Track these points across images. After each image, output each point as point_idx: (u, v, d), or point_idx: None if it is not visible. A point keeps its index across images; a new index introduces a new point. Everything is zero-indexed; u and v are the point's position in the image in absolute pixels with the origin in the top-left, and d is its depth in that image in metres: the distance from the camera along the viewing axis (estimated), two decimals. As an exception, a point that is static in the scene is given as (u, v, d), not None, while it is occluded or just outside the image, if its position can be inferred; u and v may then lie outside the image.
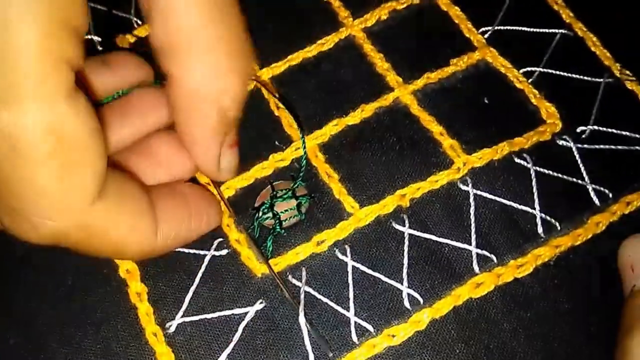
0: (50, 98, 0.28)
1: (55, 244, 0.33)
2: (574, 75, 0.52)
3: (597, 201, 0.47)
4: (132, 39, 0.54)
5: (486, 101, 0.51)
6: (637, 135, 0.50)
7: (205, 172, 0.40)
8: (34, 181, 0.29)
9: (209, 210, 0.40)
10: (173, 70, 0.35)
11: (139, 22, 0.55)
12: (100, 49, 0.53)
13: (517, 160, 0.48)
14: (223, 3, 0.34)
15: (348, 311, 0.44)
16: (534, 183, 0.47)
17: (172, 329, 0.43)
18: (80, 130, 0.29)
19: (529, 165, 0.48)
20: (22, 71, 0.27)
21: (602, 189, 0.47)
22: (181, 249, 0.45)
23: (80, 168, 0.30)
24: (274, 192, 0.47)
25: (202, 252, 0.45)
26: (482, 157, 0.48)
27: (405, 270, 0.45)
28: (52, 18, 0.27)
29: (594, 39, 0.54)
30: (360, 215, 0.46)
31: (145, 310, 0.44)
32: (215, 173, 0.40)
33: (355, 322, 0.43)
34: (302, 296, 0.44)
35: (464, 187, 0.47)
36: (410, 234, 0.46)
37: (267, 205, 0.46)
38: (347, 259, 0.45)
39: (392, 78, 0.51)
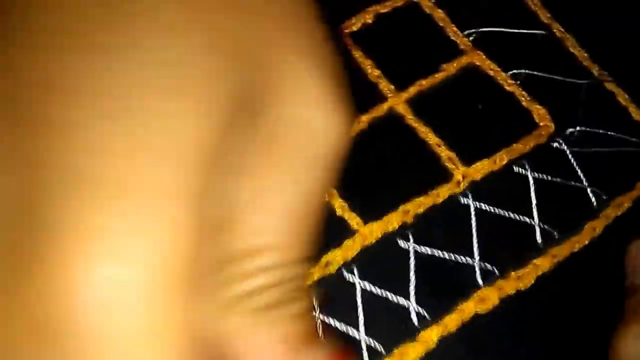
0: None
1: None
2: (557, 77, 0.50)
3: (595, 203, 0.46)
4: None
5: (480, 107, 0.48)
6: (621, 136, 0.48)
7: None
8: None
9: None
10: None
11: None
12: None
13: (515, 168, 0.46)
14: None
15: (358, 332, 0.41)
16: (532, 191, 0.46)
17: None
18: None
19: (527, 172, 0.46)
20: None
21: (598, 191, 0.46)
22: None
23: None
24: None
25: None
26: (481, 169, 0.46)
27: (412, 287, 0.43)
28: None
29: (572, 40, 0.52)
30: (366, 233, 0.44)
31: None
32: None
33: (366, 344, 0.41)
34: (318, 322, 0.41)
35: (464, 201, 0.45)
36: (415, 250, 0.44)
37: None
38: (356, 279, 0.43)
39: (384, 86, 0.49)
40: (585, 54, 0.51)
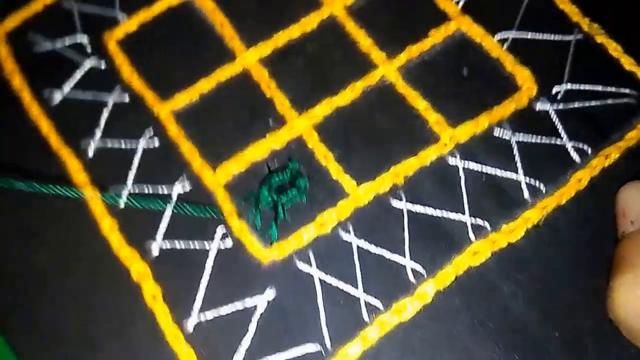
0: None
1: None
2: (545, 37, 0.49)
3: (577, 158, 0.45)
4: (120, 35, 0.49)
5: (465, 73, 0.48)
6: (610, 89, 0.47)
7: None
8: None
9: None
10: None
11: (124, 16, 0.50)
12: (90, 50, 0.49)
13: (496, 131, 0.46)
14: None
15: (357, 289, 0.41)
16: (515, 150, 0.45)
17: (190, 329, 0.41)
18: None
19: (509, 135, 0.45)
20: None
21: (580, 145, 0.45)
22: (186, 243, 0.42)
23: None
24: (272, 175, 0.44)
25: (207, 247, 0.43)
26: (465, 131, 0.46)
27: (407, 245, 0.43)
28: None
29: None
30: (359, 194, 0.44)
31: (162, 311, 0.41)
32: None
33: (365, 300, 0.41)
34: (316, 282, 0.41)
35: (452, 161, 0.45)
36: (408, 210, 0.43)
37: (266, 188, 0.43)
38: (352, 238, 0.42)
39: (376, 55, 0.48)
40: (576, 9, 0.50)
